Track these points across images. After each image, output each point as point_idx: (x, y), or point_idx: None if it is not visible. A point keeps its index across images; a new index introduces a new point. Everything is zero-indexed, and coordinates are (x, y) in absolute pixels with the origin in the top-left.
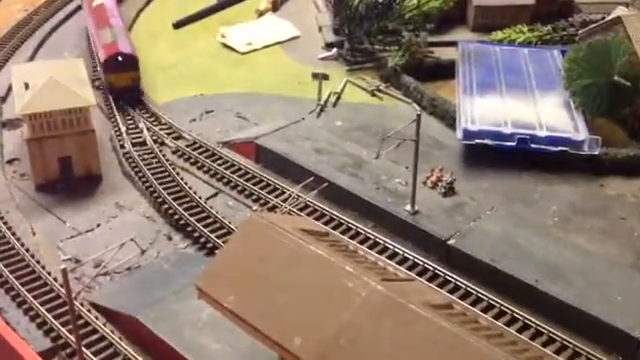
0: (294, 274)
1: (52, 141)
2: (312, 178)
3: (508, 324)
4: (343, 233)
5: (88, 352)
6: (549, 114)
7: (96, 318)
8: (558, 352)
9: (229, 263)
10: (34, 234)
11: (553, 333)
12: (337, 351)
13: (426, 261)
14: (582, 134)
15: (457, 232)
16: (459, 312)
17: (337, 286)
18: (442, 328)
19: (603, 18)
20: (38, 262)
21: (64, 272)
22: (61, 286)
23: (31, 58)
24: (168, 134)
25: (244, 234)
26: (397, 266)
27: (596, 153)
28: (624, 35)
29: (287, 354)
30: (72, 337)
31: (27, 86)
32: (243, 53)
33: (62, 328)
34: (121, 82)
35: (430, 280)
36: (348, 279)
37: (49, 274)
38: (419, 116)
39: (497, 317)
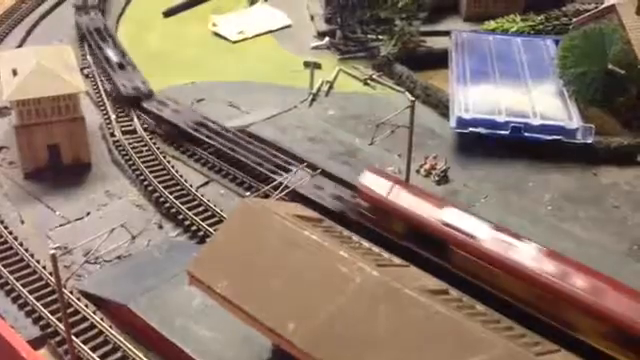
0: (288, 259)
1: (40, 128)
2: (305, 164)
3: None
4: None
5: (78, 340)
6: (543, 103)
7: (86, 306)
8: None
9: (221, 248)
10: (23, 222)
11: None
12: (331, 337)
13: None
14: (575, 122)
15: None
16: (455, 298)
17: (332, 271)
18: (438, 313)
19: (596, 7)
20: (27, 250)
21: (53, 258)
22: (50, 274)
23: (19, 46)
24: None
25: (237, 219)
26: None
27: (589, 141)
28: (618, 23)
29: (280, 340)
30: (61, 325)
31: (15, 72)
32: (234, 42)
33: (51, 316)
34: None
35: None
36: (343, 264)
37: (38, 262)
38: (413, 102)
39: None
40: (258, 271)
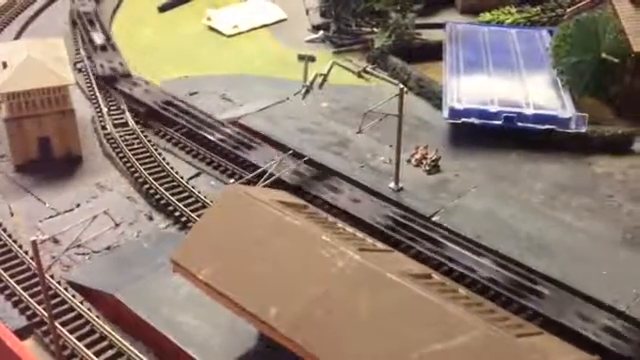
0: (271, 245)
1: (31, 121)
2: (290, 151)
3: (492, 300)
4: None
5: (64, 329)
6: (536, 92)
7: (73, 296)
8: (542, 327)
9: (205, 236)
10: (12, 215)
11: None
12: (312, 321)
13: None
14: (569, 112)
15: (441, 209)
16: (438, 282)
17: (314, 256)
18: (420, 296)
19: None
20: (15, 242)
21: (34, 244)
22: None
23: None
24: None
25: (220, 206)
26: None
27: (583, 131)
28: (611, 12)
29: (263, 325)
30: (46, 313)
31: (5, 65)
32: (229, 36)
33: (37, 306)
34: None
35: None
36: (325, 249)
37: (26, 253)
38: (402, 90)
39: (480, 293)
40: (241, 257)
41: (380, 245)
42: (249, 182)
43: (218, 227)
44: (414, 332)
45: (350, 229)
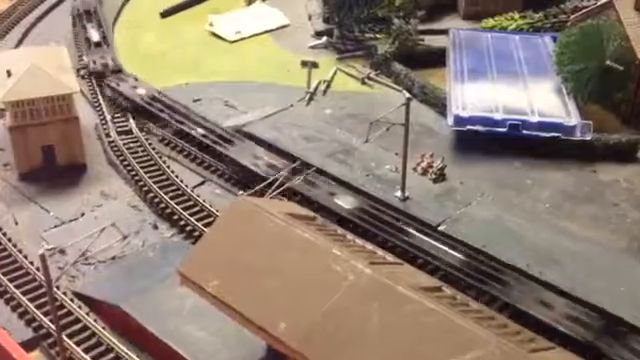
0: (280, 258)
1: (35, 129)
2: (298, 162)
3: (499, 310)
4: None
5: (70, 341)
6: (541, 100)
7: (79, 307)
8: (549, 338)
9: (213, 248)
10: (17, 224)
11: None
12: (323, 335)
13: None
14: (574, 119)
15: (448, 218)
16: (449, 295)
17: (324, 270)
18: (431, 310)
19: (595, 4)
20: (20, 252)
21: (42, 257)
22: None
23: (16, 48)
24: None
25: (229, 218)
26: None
27: (588, 138)
28: (616, 19)
29: (272, 339)
30: (53, 326)
31: (9, 73)
32: (232, 42)
33: (44, 318)
34: None
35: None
36: (335, 262)
37: (31, 264)
38: (409, 100)
39: (488, 304)
40: (250, 270)
41: (390, 258)
42: (255, 193)
43: (226, 239)
44: (426, 346)
45: (359, 241)
